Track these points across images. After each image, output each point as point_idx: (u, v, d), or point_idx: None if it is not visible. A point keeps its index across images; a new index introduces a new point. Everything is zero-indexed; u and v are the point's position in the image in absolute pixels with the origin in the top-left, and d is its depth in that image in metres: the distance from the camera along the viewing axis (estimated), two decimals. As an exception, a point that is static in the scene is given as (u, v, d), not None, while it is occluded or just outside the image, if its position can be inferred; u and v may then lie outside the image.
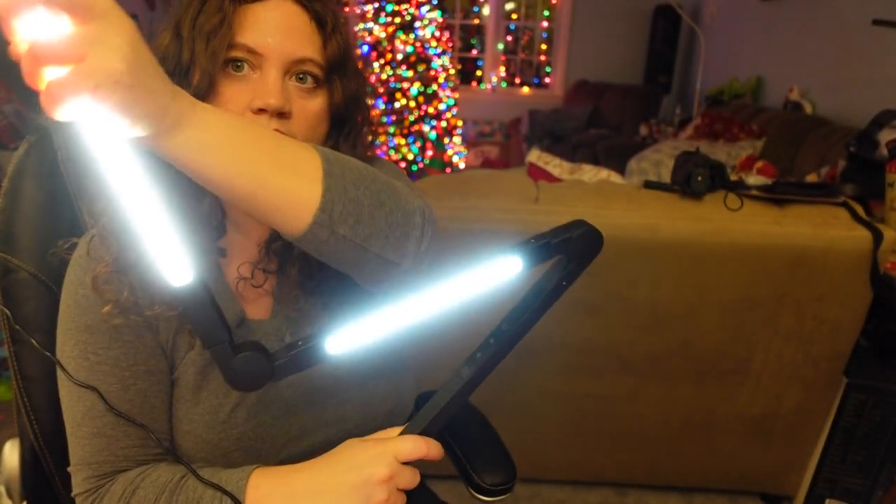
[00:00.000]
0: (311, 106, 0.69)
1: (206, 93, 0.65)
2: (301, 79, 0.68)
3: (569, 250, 0.54)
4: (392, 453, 0.59)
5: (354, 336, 0.53)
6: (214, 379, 0.71)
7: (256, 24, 0.65)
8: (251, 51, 0.65)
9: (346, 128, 0.75)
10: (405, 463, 0.60)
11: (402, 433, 0.61)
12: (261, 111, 0.65)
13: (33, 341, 0.80)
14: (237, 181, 0.49)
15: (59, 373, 0.69)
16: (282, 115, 0.66)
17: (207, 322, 0.50)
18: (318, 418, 0.77)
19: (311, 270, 0.75)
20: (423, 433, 0.60)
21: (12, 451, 0.88)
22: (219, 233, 0.73)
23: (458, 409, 0.59)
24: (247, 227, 0.75)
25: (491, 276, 0.53)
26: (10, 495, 0.90)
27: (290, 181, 0.51)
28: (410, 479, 0.60)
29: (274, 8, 0.67)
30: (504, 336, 0.56)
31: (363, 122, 0.77)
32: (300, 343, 0.52)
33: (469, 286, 0.53)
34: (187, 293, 0.49)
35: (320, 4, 0.70)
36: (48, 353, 0.75)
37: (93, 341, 0.68)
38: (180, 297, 0.49)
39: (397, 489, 0.60)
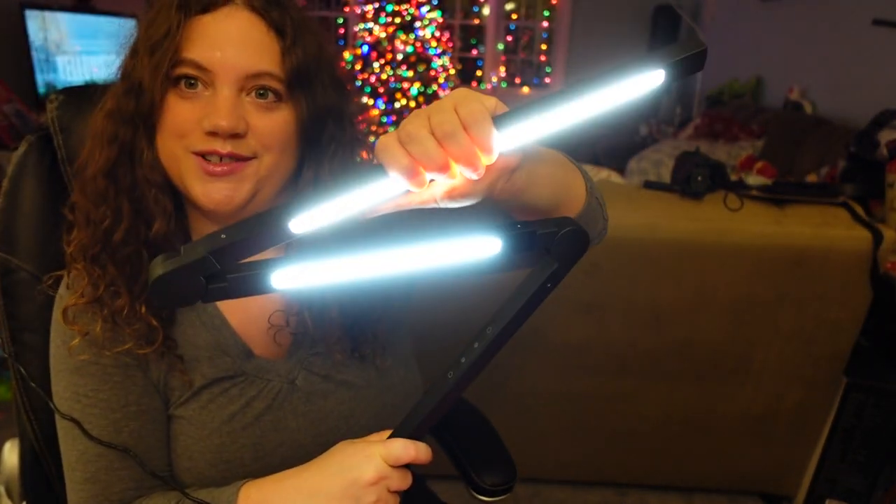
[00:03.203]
0: (271, 122, 0.64)
1: (149, 111, 0.62)
2: (261, 94, 0.63)
3: (553, 247, 0.52)
4: (380, 456, 0.58)
5: (305, 274, 0.49)
6: (219, 417, 0.70)
7: (205, 38, 0.61)
8: (199, 67, 0.61)
9: (324, 145, 0.69)
10: (397, 465, 0.60)
11: (390, 436, 0.60)
12: (212, 133, 0.61)
13: (21, 369, 0.80)
14: (555, 191, 0.58)
15: (55, 411, 0.68)
16: (235, 135, 0.62)
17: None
18: None
19: (353, 310, 0.73)
20: (411, 436, 0.60)
21: (12, 451, 0.89)
22: None
23: (446, 413, 0.59)
24: None
25: (468, 251, 0.50)
26: (10, 495, 0.90)
27: (573, 177, 0.62)
28: (401, 481, 0.60)
29: (224, 18, 0.61)
30: (488, 339, 0.55)
31: (350, 138, 0.70)
32: (242, 268, 0.47)
33: (443, 255, 0.50)
34: None
35: (279, 12, 0.64)
36: (35, 386, 0.76)
37: (83, 383, 0.67)
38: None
39: (389, 491, 0.60)
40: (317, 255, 0.49)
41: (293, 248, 0.72)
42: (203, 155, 0.63)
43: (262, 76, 0.63)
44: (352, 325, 0.74)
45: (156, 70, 0.60)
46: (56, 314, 0.69)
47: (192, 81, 0.62)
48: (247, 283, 0.47)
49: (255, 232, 0.44)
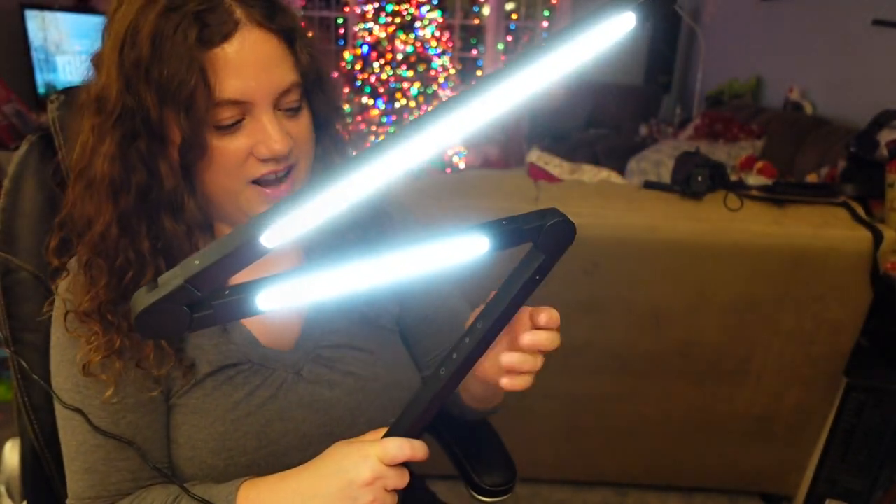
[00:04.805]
0: (302, 126, 0.67)
1: (194, 160, 0.62)
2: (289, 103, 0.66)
3: (540, 239, 0.52)
4: (376, 456, 0.58)
5: (290, 294, 0.48)
6: (223, 405, 0.70)
7: (232, 70, 0.60)
8: (238, 102, 0.61)
9: (328, 129, 0.73)
10: (393, 464, 0.60)
11: (385, 435, 0.61)
12: (268, 159, 0.64)
13: (23, 362, 0.79)
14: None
15: (55, 403, 0.68)
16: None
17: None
18: None
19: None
20: (406, 434, 0.60)
21: (13, 450, 0.89)
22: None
23: (440, 409, 0.59)
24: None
25: (456, 252, 0.50)
26: (10, 495, 0.90)
27: None
28: (398, 479, 0.60)
29: (241, 45, 0.60)
30: (479, 334, 0.55)
31: (338, 113, 0.74)
32: (227, 293, 0.47)
33: (432, 259, 0.50)
34: None
35: (281, 17, 0.64)
36: (38, 378, 0.75)
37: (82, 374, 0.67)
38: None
39: (386, 490, 0.60)
40: (301, 271, 0.49)
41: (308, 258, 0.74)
42: (259, 180, 0.65)
43: (291, 89, 0.64)
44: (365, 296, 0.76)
45: (199, 125, 0.60)
46: (57, 306, 0.69)
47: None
48: (232, 308, 0.47)
49: (228, 253, 0.43)
